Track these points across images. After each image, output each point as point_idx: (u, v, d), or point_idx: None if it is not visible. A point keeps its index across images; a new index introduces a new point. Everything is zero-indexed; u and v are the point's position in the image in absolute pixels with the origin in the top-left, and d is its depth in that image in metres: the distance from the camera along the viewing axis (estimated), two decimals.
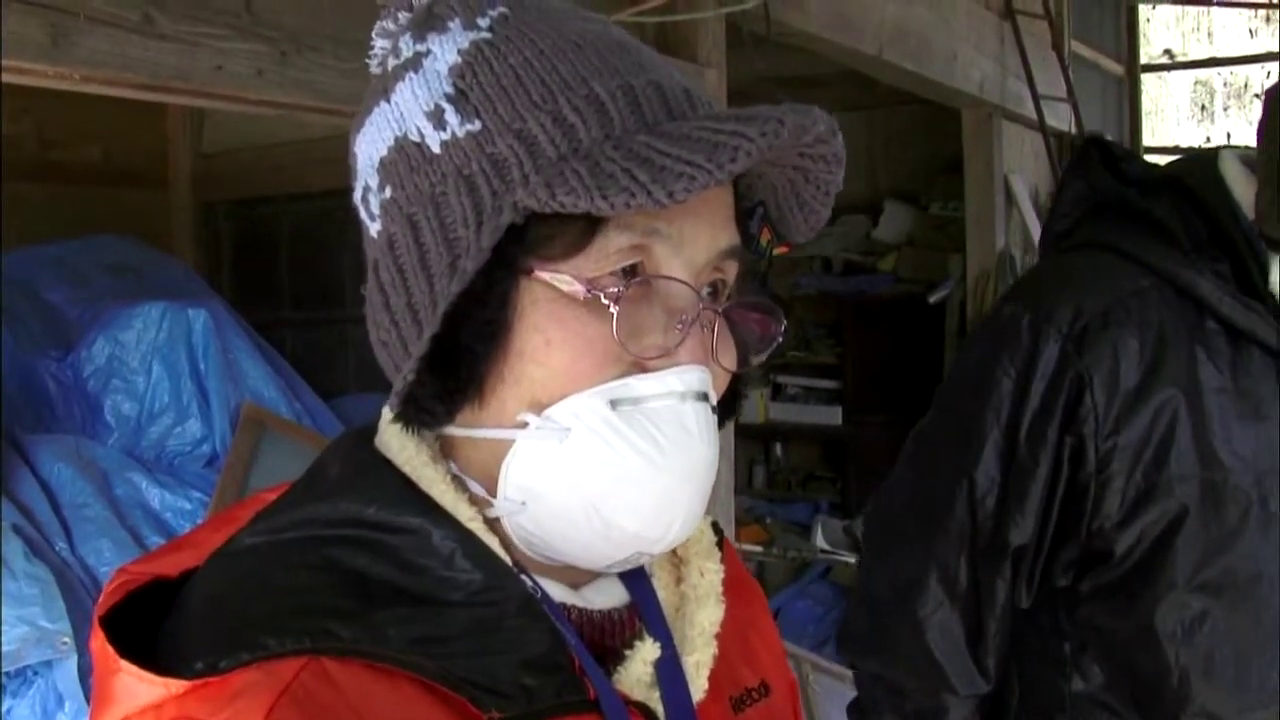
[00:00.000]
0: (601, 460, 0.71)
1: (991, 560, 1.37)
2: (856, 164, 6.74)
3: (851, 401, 6.54)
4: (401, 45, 0.79)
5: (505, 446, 0.74)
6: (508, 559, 0.75)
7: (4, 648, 2.21)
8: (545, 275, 0.71)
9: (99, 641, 0.69)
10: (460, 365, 0.72)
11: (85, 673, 2.28)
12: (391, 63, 0.79)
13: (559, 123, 0.71)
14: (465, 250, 0.71)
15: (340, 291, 4.20)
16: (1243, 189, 1.39)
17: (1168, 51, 8.11)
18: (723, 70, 3.16)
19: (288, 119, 2.84)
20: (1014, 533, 1.35)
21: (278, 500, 0.78)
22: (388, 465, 0.77)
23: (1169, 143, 7.97)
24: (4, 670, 2.23)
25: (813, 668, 3.78)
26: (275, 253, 4.35)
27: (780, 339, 0.81)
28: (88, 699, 2.26)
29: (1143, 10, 7.63)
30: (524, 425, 0.73)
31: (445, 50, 0.76)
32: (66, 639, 2.28)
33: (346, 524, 0.73)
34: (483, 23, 0.76)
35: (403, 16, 0.80)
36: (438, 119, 0.74)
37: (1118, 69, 7.26)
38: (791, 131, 0.68)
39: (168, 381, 2.98)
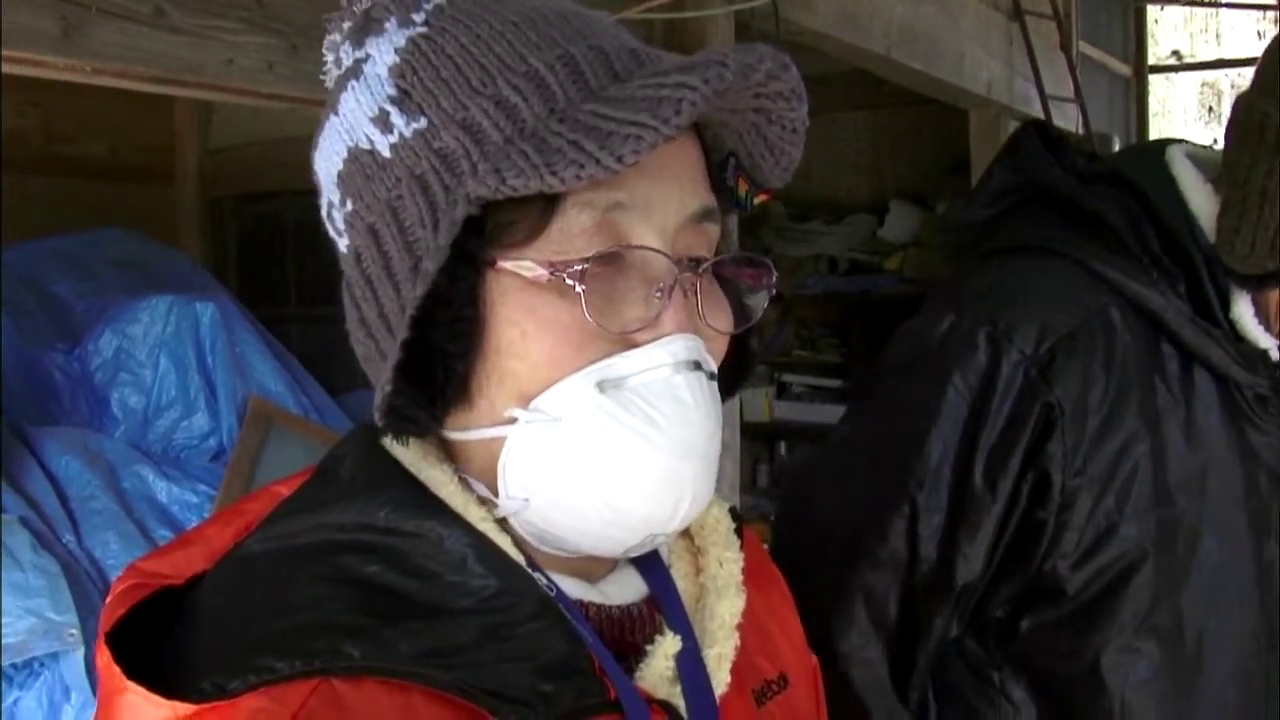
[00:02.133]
0: (597, 446, 0.70)
1: (932, 595, 1.26)
2: (862, 164, 6.74)
3: None
4: (342, 55, 0.78)
5: (501, 445, 0.72)
6: (521, 559, 0.74)
7: (11, 639, 2.21)
8: (509, 264, 0.70)
9: (104, 659, 0.67)
10: (435, 368, 0.71)
11: (92, 665, 2.28)
12: (334, 74, 0.79)
13: (501, 105, 0.69)
14: (426, 251, 0.70)
15: None
16: (1200, 200, 1.28)
17: (1175, 53, 8.09)
18: None
19: (295, 114, 2.84)
20: (961, 568, 1.24)
21: (289, 501, 0.77)
22: (398, 467, 0.76)
23: None
24: (11, 662, 2.23)
25: None
26: (282, 248, 4.36)
27: (774, 289, 0.79)
28: (94, 691, 2.26)
29: (1151, 11, 7.62)
30: (513, 420, 0.71)
31: (383, 52, 0.74)
32: (74, 631, 2.28)
33: (357, 529, 0.72)
34: (418, 18, 0.75)
35: (346, 27, 0.79)
36: (384, 123, 0.72)
37: (1125, 70, 7.25)
38: (736, 72, 0.66)
39: (175, 375, 2.98)
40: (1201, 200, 1.27)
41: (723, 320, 0.77)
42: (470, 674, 0.66)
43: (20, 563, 2.34)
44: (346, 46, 0.77)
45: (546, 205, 0.69)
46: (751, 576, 0.86)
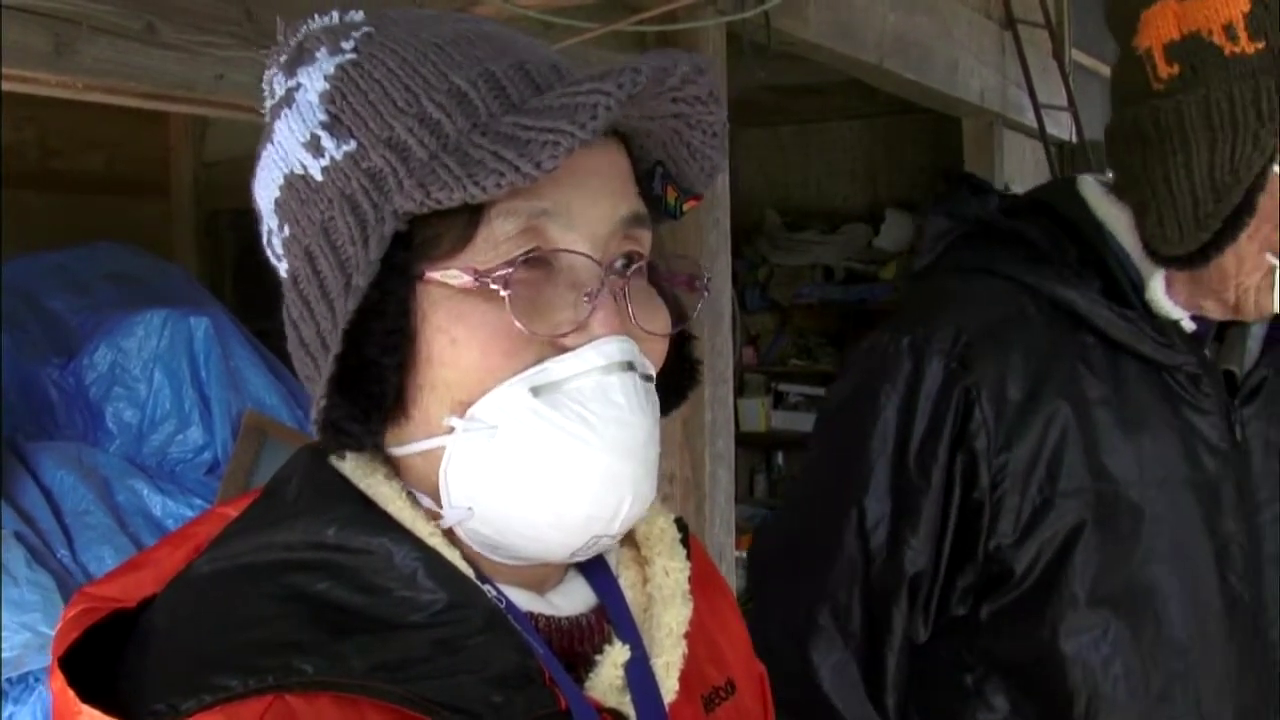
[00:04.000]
0: (535, 450, 0.71)
1: (887, 591, 1.34)
2: (857, 173, 6.75)
3: None
4: (275, 86, 0.80)
5: (440, 456, 0.73)
6: (470, 572, 0.75)
7: (6, 654, 2.21)
8: (437, 274, 0.71)
9: (58, 683, 0.68)
10: (369, 381, 0.72)
11: None
12: (268, 105, 0.80)
13: (425, 123, 0.71)
14: (356, 267, 0.71)
15: None
16: (1106, 209, 1.42)
17: None
18: (723, 79, 3.16)
19: None
20: (909, 558, 1.32)
21: (237, 521, 0.78)
22: (346, 484, 0.77)
23: None
24: (6, 676, 2.23)
25: None
26: None
27: (706, 291, 0.81)
28: None
29: None
30: (451, 430, 0.72)
31: (314, 80, 0.76)
32: None
33: (306, 547, 0.72)
34: (346, 45, 0.76)
35: (280, 60, 0.81)
36: (315, 147, 0.74)
37: None
38: (650, 76, 0.68)
39: (169, 389, 2.98)
40: (1107, 209, 1.42)
41: (658, 322, 0.78)
42: (422, 687, 0.67)
43: (15, 578, 2.34)
44: (280, 77, 0.79)
45: (471, 216, 0.71)
46: (699, 585, 0.87)
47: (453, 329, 0.71)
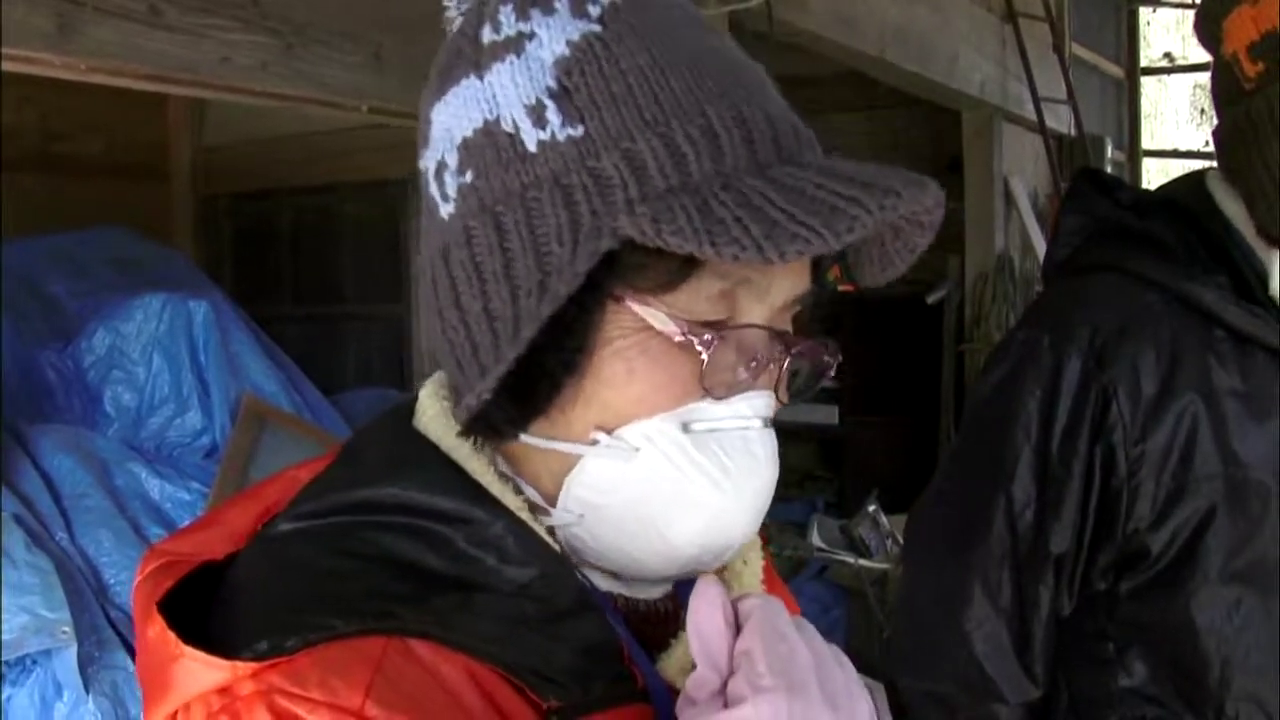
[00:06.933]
0: (667, 482, 0.71)
1: (1034, 569, 1.43)
2: None
3: (849, 401, 6.56)
4: (501, 18, 0.72)
5: (569, 460, 0.72)
6: (557, 548, 0.74)
7: (4, 636, 2.21)
8: (636, 307, 0.69)
9: (157, 628, 0.67)
10: (539, 390, 0.70)
11: (84, 662, 2.28)
12: (487, 34, 0.72)
13: (670, 150, 0.67)
14: (556, 270, 0.67)
15: (341, 286, 4.20)
16: (1230, 205, 1.49)
17: (1168, 55, 8.12)
18: None
19: (289, 112, 2.84)
20: (1054, 541, 1.41)
21: (315, 482, 0.76)
22: (435, 450, 0.75)
23: (1168, 145, 7.99)
24: (4, 659, 2.23)
25: None
26: (276, 246, 4.36)
27: (834, 374, 0.79)
28: (86, 688, 2.26)
29: (1143, 13, 7.65)
30: (594, 443, 0.71)
31: (552, 37, 0.70)
32: (66, 628, 2.28)
33: (394, 510, 0.71)
34: (593, 10, 0.70)
35: None
36: (537, 115, 0.68)
37: (1118, 72, 7.28)
38: (905, 205, 0.65)
39: (168, 373, 2.98)
40: (1232, 206, 1.49)
41: (786, 392, 0.78)
42: (514, 653, 0.68)
43: (14, 560, 2.34)
44: (508, 10, 0.72)
45: (685, 264, 0.67)
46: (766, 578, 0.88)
47: (635, 360, 0.70)
